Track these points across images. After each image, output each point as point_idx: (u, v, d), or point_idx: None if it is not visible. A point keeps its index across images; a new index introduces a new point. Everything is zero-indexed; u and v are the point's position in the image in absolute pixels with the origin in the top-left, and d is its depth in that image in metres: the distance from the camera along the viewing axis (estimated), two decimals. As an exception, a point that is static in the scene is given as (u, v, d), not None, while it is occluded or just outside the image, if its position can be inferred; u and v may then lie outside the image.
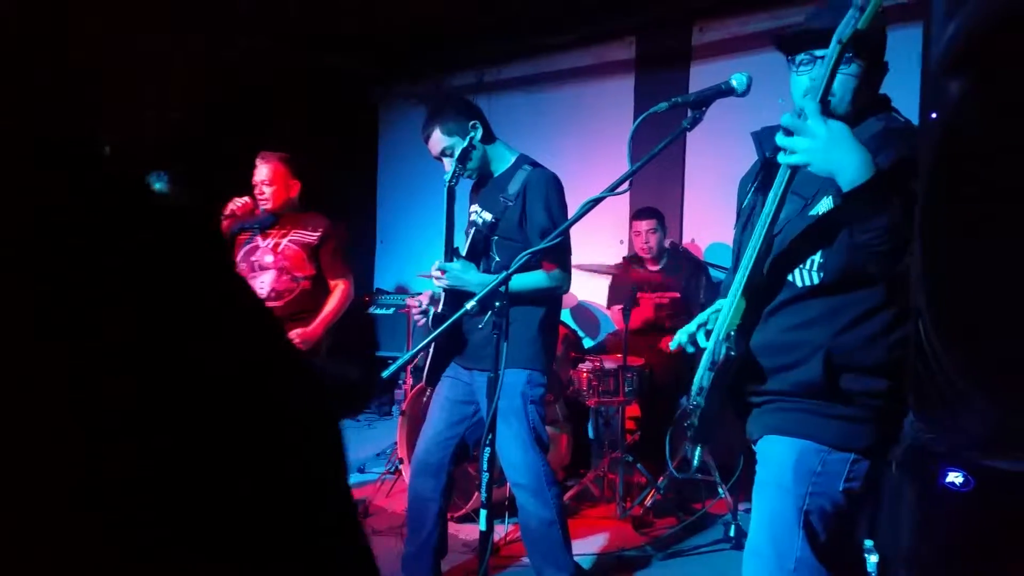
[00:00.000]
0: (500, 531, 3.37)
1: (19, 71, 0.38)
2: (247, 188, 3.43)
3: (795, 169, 1.56)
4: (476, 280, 2.54)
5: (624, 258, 4.65)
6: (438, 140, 2.65)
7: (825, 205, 1.64)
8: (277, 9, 4.66)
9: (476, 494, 3.25)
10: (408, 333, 5.34)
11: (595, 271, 4.18)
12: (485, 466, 2.05)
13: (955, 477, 1.44)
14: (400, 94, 6.45)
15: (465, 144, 2.58)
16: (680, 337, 1.86)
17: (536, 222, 2.57)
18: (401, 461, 3.81)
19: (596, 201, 1.83)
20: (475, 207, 2.76)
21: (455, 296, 2.55)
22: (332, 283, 3.48)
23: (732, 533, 3.37)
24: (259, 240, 3.43)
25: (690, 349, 1.85)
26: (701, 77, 4.69)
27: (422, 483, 2.68)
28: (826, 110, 1.52)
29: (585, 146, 5.21)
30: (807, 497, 1.63)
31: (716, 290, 3.58)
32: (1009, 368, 1.12)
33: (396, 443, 3.92)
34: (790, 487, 1.64)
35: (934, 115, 1.13)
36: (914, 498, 1.58)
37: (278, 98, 5.25)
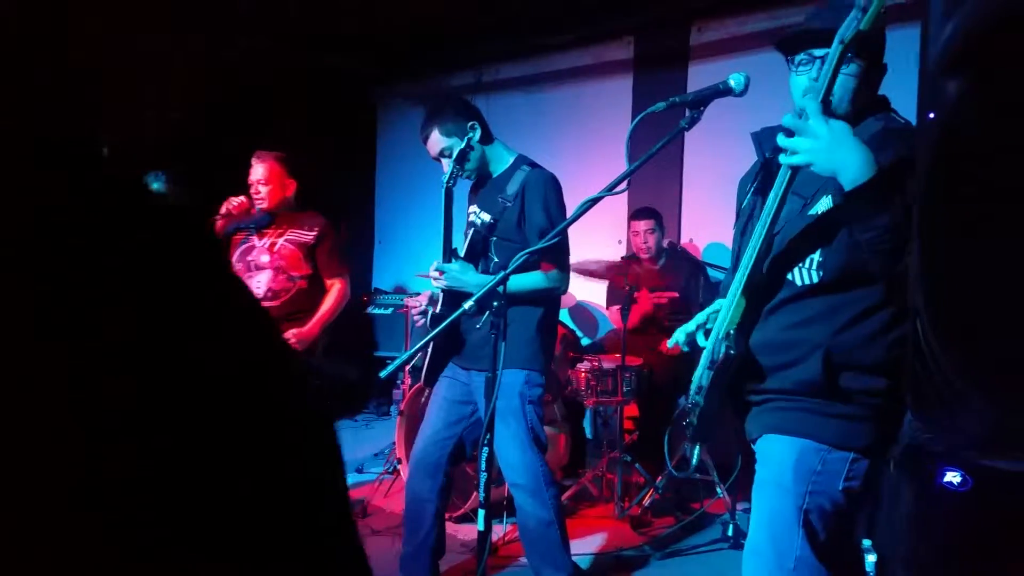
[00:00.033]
0: (498, 531, 3.37)
1: (19, 71, 0.38)
2: (246, 188, 3.42)
3: (796, 169, 1.56)
4: (474, 281, 2.53)
5: (623, 258, 4.66)
6: (436, 141, 2.65)
7: (825, 204, 1.64)
8: (277, 9, 4.66)
9: (474, 494, 3.24)
10: (406, 333, 5.35)
11: (593, 273, 4.17)
12: (483, 466, 2.05)
13: (953, 477, 1.44)
14: (399, 94, 6.45)
15: (463, 145, 2.58)
16: (677, 336, 1.86)
17: (535, 223, 2.57)
18: (399, 461, 3.81)
19: (594, 201, 1.83)
20: (473, 208, 2.76)
21: (453, 297, 2.55)
22: (328, 283, 3.47)
23: (730, 532, 3.37)
24: (255, 240, 3.42)
25: (686, 348, 1.86)
26: (699, 77, 4.70)
27: (420, 483, 2.68)
28: (827, 110, 1.52)
29: (583, 146, 5.21)
30: (807, 496, 1.63)
31: (714, 290, 3.58)
32: (1007, 368, 1.12)
33: (394, 443, 3.92)
34: (790, 486, 1.64)
35: (932, 115, 1.13)
36: (912, 498, 1.59)
37: (278, 98, 5.24)
